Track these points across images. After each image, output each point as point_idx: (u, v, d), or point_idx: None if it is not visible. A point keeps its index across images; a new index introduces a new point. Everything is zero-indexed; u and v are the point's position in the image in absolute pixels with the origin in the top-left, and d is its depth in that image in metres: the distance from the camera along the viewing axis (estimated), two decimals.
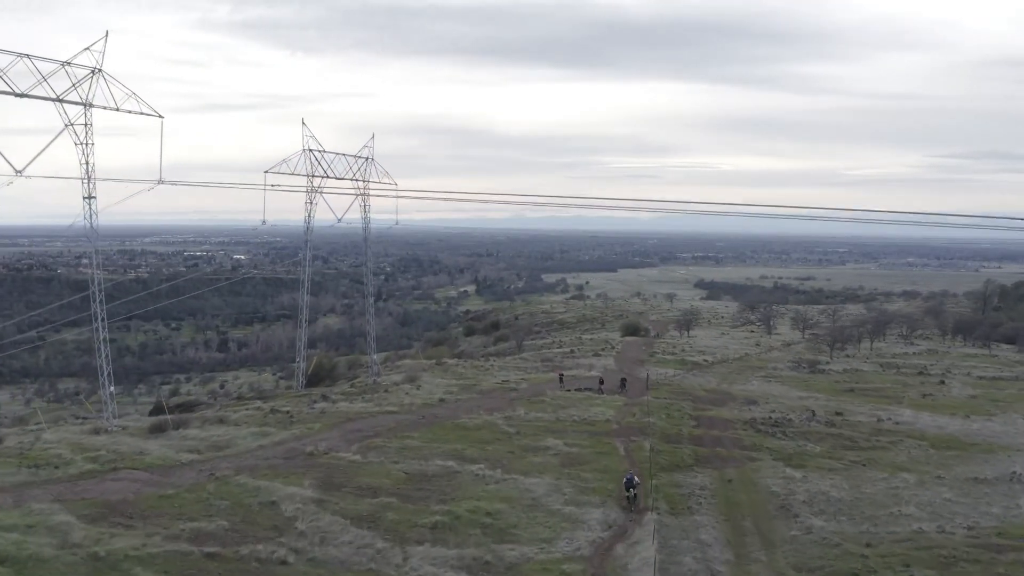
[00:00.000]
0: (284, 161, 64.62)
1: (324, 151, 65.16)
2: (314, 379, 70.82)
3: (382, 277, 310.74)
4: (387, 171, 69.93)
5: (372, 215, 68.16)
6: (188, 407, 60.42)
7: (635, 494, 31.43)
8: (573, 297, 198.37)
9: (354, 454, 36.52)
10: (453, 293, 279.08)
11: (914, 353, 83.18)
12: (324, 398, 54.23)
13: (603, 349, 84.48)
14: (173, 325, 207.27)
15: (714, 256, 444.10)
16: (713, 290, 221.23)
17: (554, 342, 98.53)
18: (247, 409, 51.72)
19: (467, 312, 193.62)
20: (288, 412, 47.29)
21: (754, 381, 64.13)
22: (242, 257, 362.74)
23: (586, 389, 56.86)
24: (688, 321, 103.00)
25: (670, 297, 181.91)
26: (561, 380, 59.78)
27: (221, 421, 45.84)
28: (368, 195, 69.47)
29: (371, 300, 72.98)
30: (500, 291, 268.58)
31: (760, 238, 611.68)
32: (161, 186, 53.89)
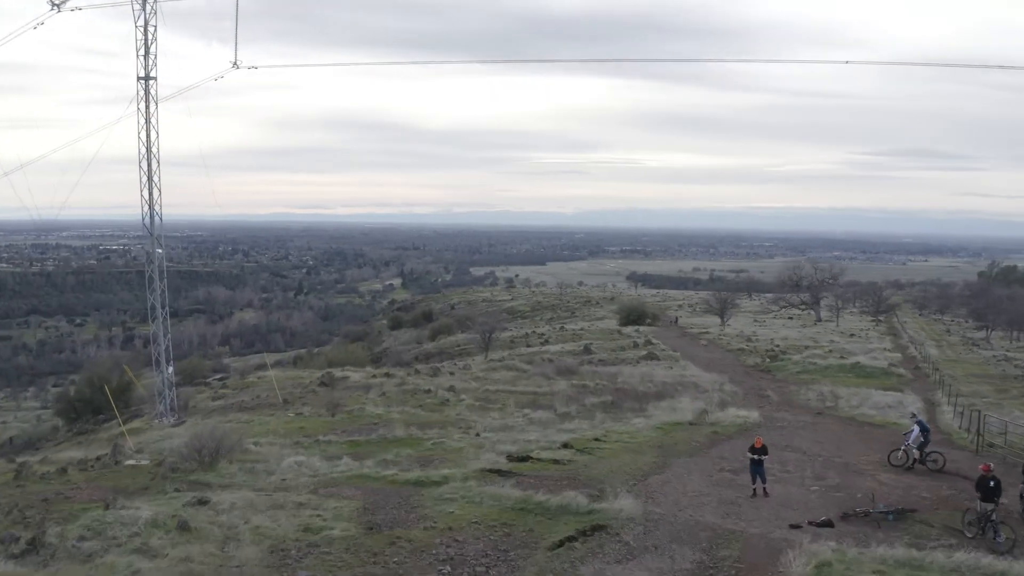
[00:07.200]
0: None
1: None
2: (82, 408, 48.32)
3: (304, 271, 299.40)
4: None
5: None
6: None
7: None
8: (510, 287, 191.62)
9: None
10: (378, 286, 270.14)
11: None
12: None
13: (646, 345, 57.46)
14: (77, 321, 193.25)
15: (642, 250, 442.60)
16: (647, 282, 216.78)
17: (531, 334, 73.17)
18: None
19: (392, 303, 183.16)
20: None
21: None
22: (160, 251, 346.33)
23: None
24: (723, 305, 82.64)
25: (634, 284, 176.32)
26: (755, 455, 21.81)
27: None
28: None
29: (157, 246, 39.17)
30: (427, 284, 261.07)
31: (684, 233, 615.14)
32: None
